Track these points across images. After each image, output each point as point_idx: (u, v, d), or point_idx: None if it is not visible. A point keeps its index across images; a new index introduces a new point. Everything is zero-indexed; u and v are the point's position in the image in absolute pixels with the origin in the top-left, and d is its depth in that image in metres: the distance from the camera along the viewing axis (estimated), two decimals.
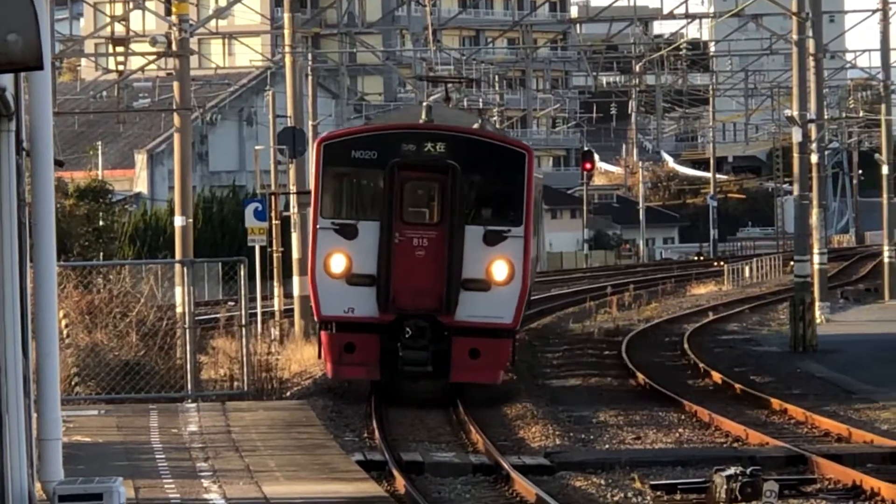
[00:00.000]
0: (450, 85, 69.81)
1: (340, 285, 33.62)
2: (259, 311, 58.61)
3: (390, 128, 35.70)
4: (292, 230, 62.64)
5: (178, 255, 56.21)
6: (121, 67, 70.58)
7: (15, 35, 13.63)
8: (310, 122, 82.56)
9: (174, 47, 59.05)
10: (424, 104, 34.74)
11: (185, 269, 45.23)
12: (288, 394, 45.29)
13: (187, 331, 42.35)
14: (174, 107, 61.39)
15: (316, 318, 32.72)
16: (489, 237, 33.43)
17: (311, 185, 35.45)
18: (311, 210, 36.01)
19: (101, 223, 72.29)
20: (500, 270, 33.28)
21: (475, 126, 44.31)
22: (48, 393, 18.45)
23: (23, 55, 13.71)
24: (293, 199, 64.34)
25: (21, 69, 14.90)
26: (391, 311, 32.40)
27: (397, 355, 32.46)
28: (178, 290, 48.14)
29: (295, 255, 60.79)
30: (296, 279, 58.69)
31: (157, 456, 31.51)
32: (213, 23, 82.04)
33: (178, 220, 58.15)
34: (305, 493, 26.05)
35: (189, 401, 40.21)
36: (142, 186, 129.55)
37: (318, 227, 33.14)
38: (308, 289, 35.75)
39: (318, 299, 32.46)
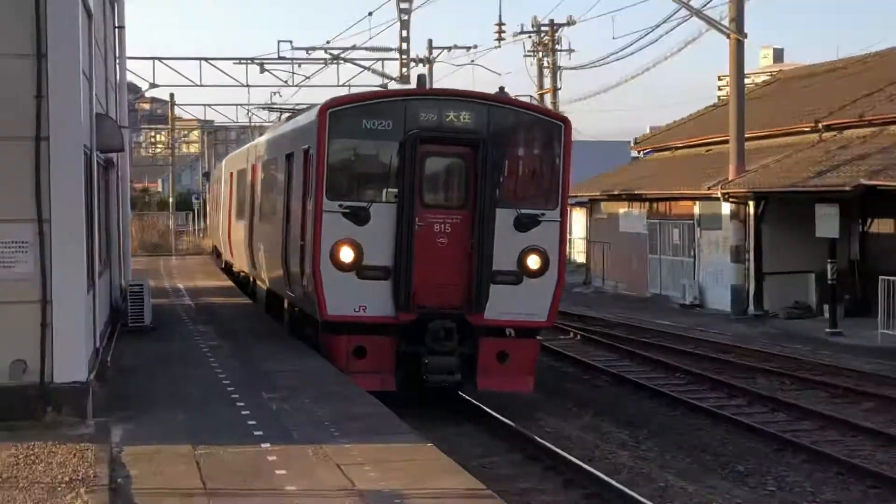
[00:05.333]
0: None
1: (350, 279, 19.71)
2: None
3: (408, 94, 21.36)
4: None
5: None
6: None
7: (117, 145, 19.94)
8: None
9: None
10: (417, 74, 22.44)
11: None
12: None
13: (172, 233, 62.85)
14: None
15: (320, 318, 20.26)
16: (521, 222, 20.08)
17: (315, 161, 20.60)
18: (311, 190, 20.85)
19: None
20: (533, 260, 20.23)
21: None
22: (127, 252, 26.71)
23: (119, 146, 19.87)
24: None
25: (115, 151, 21.05)
26: (412, 309, 19.60)
27: (417, 362, 19.68)
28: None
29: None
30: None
31: (162, 273, 44.55)
32: None
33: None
34: (208, 285, 37.28)
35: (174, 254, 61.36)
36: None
37: (323, 209, 19.95)
38: (309, 283, 20.65)
39: (323, 296, 19.46)
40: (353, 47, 45.25)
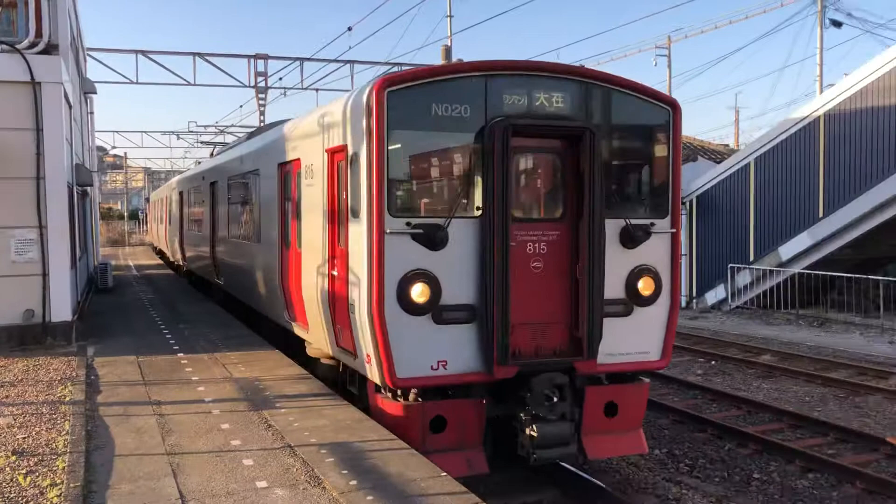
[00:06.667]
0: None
1: (425, 326, 7.28)
2: None
3: (489, 67, 7.39)
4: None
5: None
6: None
7: (89, 182, 18.82)
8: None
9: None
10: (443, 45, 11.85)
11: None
12: None
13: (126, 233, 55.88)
14: None
15: (381, 382, 7.45)
16: (630, 235, 8.02)
17: (365, 163, 7.29)
18: (360, 205, 7.63)
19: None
20: (645, 283, 8.11)
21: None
22: (97, 244, 28.83)
23: (90, 182, 18.68)
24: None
25: (88, 185, 19.42)
26: (508, 361, 7.47)
27: (520, 431, 7.80)
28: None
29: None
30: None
31: (120, 256, 39.39)
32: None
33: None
34: (148, 263, 35.74)
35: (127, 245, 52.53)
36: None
37: (385, 231, 7.30)
38: (362, 331, 7.65)
39: (389, 352, 7.21)
40: (232, 125, 44.77)
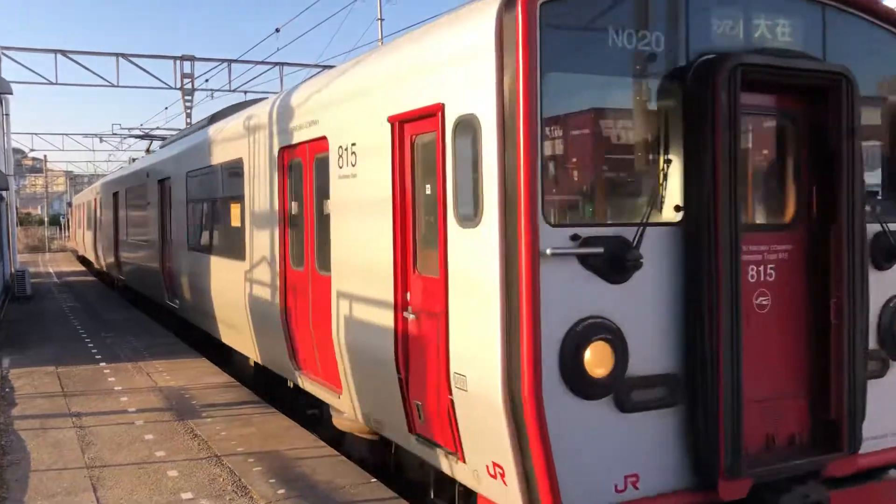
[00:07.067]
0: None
1: (605, 416, 3.25)
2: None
3: None
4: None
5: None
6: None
7: (4, 186, 20.12)
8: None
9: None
10: None
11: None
12: None
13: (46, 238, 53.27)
14: None
15: None
16: (888, 248, 3.98)
17: (485, 135, 3.42)
18: (475, 205, 3.73)
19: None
20: None
21: None
22: (14, 251, 26.49)
23: (5, 186, 19.95)
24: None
25: (2, 190, 20.68)
26: (743, 470, 3.35)
27: None
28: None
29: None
30: None
31: (40, 262, 38.98)
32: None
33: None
34: (69, 270, 35.63)
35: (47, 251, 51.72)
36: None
37: (543, 251, 3.32)
38: (485, 427, 3.69)
39: (550, 464, 3.09)
40: (157, 127, 44.02)
